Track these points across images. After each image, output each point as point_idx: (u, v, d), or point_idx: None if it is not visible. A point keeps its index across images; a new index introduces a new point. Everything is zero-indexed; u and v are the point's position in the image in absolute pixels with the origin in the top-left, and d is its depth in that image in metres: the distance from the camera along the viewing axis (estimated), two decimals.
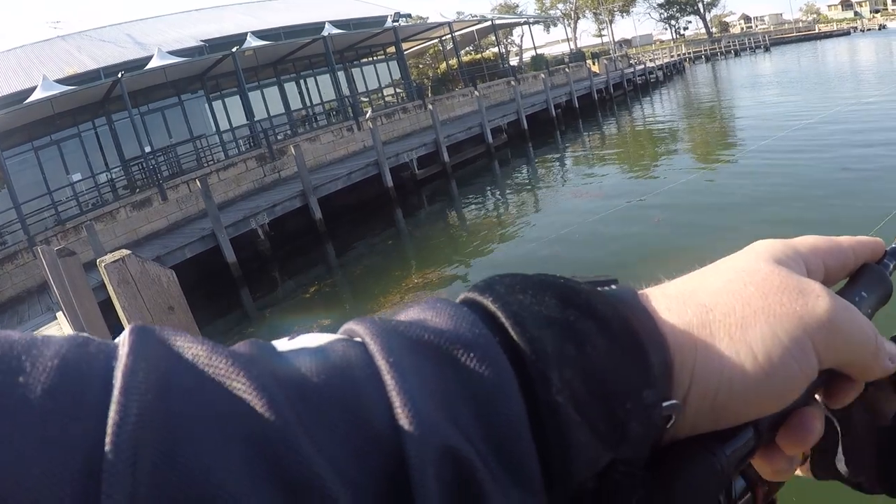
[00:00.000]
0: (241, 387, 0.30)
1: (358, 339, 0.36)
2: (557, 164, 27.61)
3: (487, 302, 0.38)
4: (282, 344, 0.37)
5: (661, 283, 0.48)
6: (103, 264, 3.73)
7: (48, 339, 0.30)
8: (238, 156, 26.12)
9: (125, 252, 3.92)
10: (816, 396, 0.49)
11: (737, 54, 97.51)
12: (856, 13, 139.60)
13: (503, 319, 0.37)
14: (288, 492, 0.28)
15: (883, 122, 20.29)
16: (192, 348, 0.31)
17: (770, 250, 0.49)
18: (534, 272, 0.42)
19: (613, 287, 0.45)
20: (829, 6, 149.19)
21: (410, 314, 0.39)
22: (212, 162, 26.57)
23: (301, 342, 0.36)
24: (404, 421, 0.31)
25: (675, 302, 0.44)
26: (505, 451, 0.33)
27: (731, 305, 0.43)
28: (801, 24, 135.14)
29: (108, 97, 26.42)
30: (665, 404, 0.39)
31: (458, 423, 0.33)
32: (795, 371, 0.42)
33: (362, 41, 37.90)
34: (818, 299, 0.44)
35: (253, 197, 22.78)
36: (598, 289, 0.43)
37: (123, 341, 0.30)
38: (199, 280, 16.41)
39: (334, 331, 0.38)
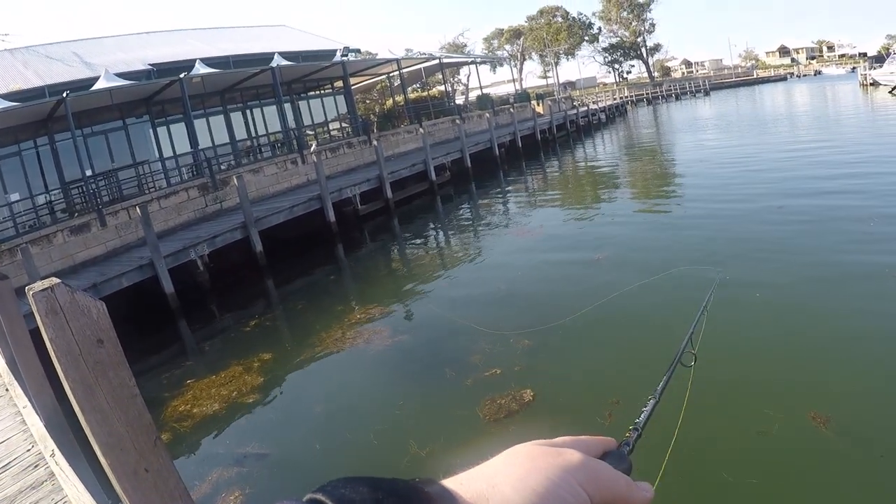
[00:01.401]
0: None
1: None
2: (500, 202, 27.98)
3: (317, 495, 0.52)
4: None
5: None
6: (31, 292, 3.77)
7: None
8: (180, 184, 25.94)
9: (54, 280, 3.95)
10: None
11: (678, 98, 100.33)
12: (793, 59, 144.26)
13: (329, 501, 0.51)
14: None
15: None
16: None
17: (530, 444, 0.66)
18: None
19: (418, 479, 0.59)
20: (767, 53, 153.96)
21: None
22: (153, 189, 26.38)
23: None
24: None
25: (465, 478, 0.60)
26: None
27: (509, 470, 0.60)
28: (740, 70, 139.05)
29: (52, 116, 26.12)
30: None
31: None
32: (570, 501, 0.58)
33: (310, 74, 38.07)
34: (573, 454, 0.63)
35: (193, 227, 22.65)
36: (408, 480, 0.58)
37: None
38: (135, 310, 16.27)
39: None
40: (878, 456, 6.17)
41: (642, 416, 0.87)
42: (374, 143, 29.19)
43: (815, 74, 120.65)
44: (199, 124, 30.91)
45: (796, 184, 19.93)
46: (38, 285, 4.17)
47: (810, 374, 8.10)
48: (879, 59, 77.39)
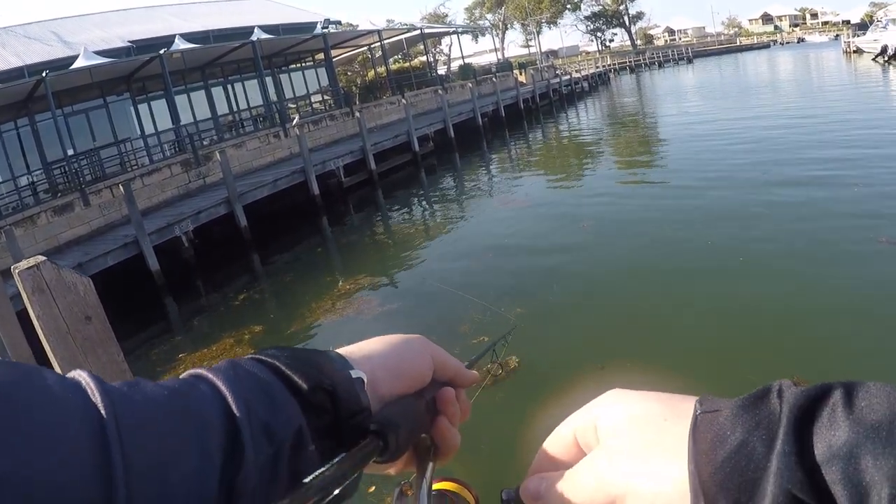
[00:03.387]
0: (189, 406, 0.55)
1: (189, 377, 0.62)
2: (483, 172, 27.98)
3: (253, 354, 0.68)
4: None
5: None
6: (17, 271, 3.80)
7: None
8: (163, 161, 25.73)
9: (40, 258, 3.97)
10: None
11: (661, 66, 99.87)
12: (776, 27, 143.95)
13: (260, 356, 0.66)
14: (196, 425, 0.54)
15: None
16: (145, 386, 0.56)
17: None
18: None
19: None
20: (750, 20, 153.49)
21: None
22: (136, 167, 26.20)
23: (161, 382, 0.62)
24: (229, 398, 0.57)
25: (351, 346, 0.78)
26: (275, 401, 0.61)
27: (381, 339, 0.79)
28: (723, 37, 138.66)
29: (32, 97, 25.90)
30: (351, 371, 0.69)
31: (246, 394, 0.59)
32: (419, 358, 0.78)
33: (291, 47, 37.80)
34: (419, 335, 0.83)
35: (177, 203, 22.51)
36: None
37: (87, 382, 0.50)
38: (121, 288, 16.22)
39: None
40: None
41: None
42: (357, 114, 29.07)
43: (798, 42, 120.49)
44: (181, 100, 30.70)
45: (784, 145, 20.07)
46: (24, 264, 4.16)
47: (796, 337, 8.18)
48: (863, 27, 77.39)
